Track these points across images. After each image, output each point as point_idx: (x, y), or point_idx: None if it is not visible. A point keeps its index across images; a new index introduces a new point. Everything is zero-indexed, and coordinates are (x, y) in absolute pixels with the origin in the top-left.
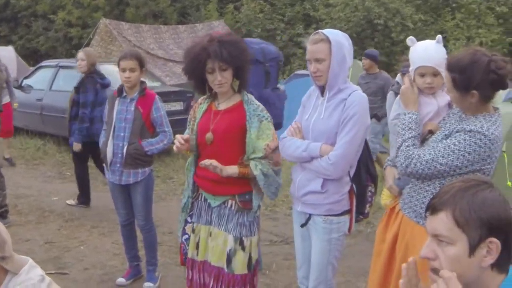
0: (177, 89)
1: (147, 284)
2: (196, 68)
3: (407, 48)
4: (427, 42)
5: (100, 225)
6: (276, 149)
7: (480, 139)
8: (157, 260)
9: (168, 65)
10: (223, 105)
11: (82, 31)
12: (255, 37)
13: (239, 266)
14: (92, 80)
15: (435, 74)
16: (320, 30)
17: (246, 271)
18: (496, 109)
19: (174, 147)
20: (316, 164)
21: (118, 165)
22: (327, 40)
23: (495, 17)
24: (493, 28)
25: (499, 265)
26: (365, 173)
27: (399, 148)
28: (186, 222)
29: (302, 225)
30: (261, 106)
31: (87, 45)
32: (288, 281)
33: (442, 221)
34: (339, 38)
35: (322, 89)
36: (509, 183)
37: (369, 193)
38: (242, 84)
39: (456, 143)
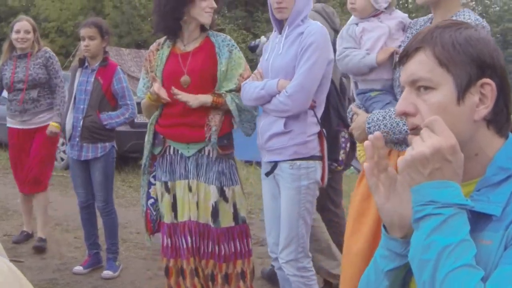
0: None
1: (106, 272)
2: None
3: None
4: None
5: (65, 223)
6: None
7: None
8: (118, 248)
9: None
10: (191, 45)
11: (65, 60)
12: None
13: (225, 218)
14: None
15: None
16: None
17: (232, 223)
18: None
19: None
20: (275, 102)
21: (77, 139)
22: None
23: None
24: None
25: (497, 123)
26: (335, 117)
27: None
28: (150, 184)
29: (267, 174)
30: (228, 36)
31: (66, 68)
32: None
33: (420, 62)
34: None
35: (280, 26)
36: None
37: (343, 139)
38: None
39: None
